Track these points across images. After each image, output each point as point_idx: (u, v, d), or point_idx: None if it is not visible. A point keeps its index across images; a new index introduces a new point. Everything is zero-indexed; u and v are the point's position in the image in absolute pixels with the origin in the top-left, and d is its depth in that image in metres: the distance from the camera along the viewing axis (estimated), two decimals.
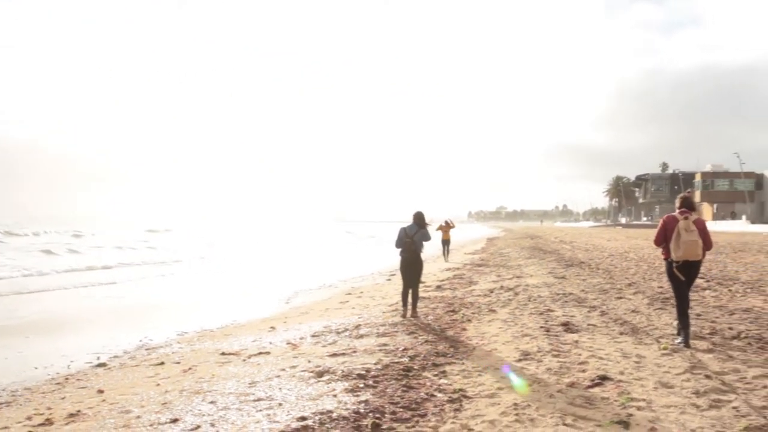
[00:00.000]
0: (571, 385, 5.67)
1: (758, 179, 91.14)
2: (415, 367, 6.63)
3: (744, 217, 72.80)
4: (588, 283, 13.97)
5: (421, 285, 15.76)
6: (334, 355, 7.58)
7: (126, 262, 27.82)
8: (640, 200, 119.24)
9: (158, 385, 6.59)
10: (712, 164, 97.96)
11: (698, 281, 13.28)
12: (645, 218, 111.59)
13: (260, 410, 5.38)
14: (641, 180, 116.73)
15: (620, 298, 11.41)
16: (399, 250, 10.50)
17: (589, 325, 8.69)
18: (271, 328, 10.33)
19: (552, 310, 10.09)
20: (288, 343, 8.71)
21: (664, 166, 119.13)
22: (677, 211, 7.44)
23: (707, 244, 7.33)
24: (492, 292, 13.19)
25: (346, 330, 9.33)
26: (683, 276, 7.33)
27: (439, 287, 14.67)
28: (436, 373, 6.41)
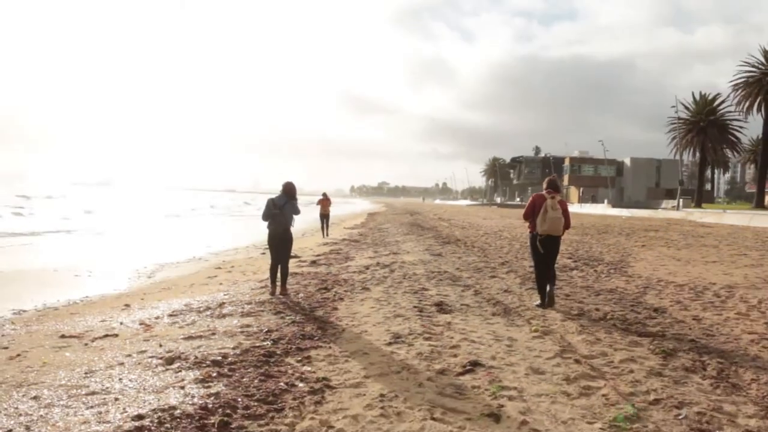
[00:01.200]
0: (442, 372, 5.34)
1: (619, 166, 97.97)
2: (278, 352, 6.07)
3: (606, 201, 78.02)
4: (463, 261, 13.98)
5: (294, 260, 15.23)
6: (190, 337, 6.84)
7: None
8: (515, 181, 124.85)
9: None
10: (580, 150, 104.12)
11: (566, 261, 13.68)
12: (518, 198, 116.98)
13: (91, 407, 4.59)
14: (516, 162, 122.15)
15: (493, 276, 11.43)
16: (266, 222, 9.79)
17: (462, 305, 8.50)
18: (126, 305, 9.35)
19: (426, 289, 9.86)
20: (141, 324, 7.84)
21: (537, 149, 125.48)
22: (545, 190, 8.28)
23: (567, 222, 8.32)
24: (368, 268, 12.84)
25: (209, 309, 8.57)
26: (543, 248, 8.22)
27: (314, 262, 14.14)
28: (299, 358, 5.88)
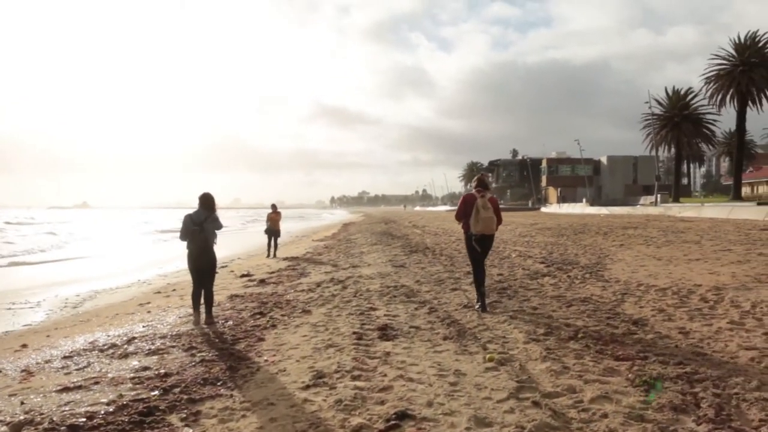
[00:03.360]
0: (359, 430, 4.08)
1: (596, 165, 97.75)
2: (162, 407, 4.77)
3: (584, 199, 77.44)
4: (426, 272, 12.75)
5: (243, 279, 13.93)
6: (66, 389, 5.52)
7: None
8: (493, 185, 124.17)
9: None
10: (557, 151, 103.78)
11: (538, 267, 12.53)
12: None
13: None
14: (494, 165, 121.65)
15: (455, 289, 10.20)
16: (185, 242, 8.48)
17: (411, 327, 7.25)
18: (22, 346, 7.98)
19: (375, 309, 8.61)
20: (24, 371, 6.50)
21: (515, 152, 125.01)
22: (474, 189, 8.28)
23: (499, 219, 8.28)
24: (319, 285, 11.56)
25: (114, 346, 7.24)
26: (480, 248, 8.22)
27: (263, 281, 12.82)
28: (186, 415, 4.60)
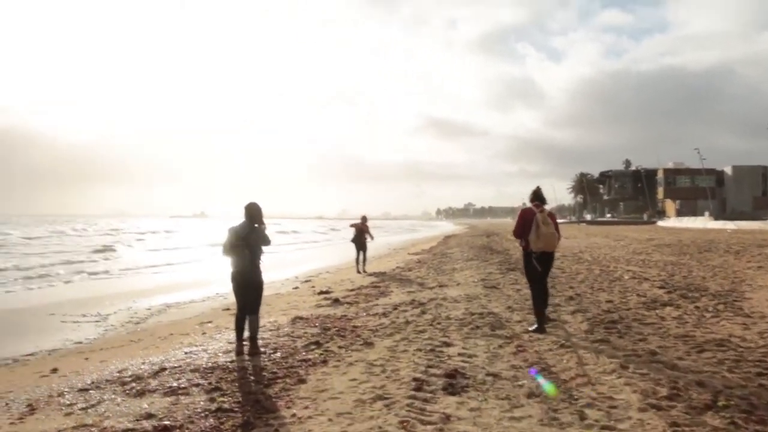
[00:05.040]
0: None
1: (719, 176, 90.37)
2: None
3: (706, 213, 71.47)
4: (521, 296, 11.02)
5: (318, 296, 12.80)
6: None
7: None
8: (605, 197, 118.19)
9: None
10: (674, 162, 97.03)
11: (657, 292, 10.55)
12: (608, 215, 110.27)
13: None
14: (605, 177, 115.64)
15: (552, 320, 8.47)
16: (230, 259, 7.33)
17: (488, 375, 5.68)
18: (53, 370, 7.19)
19: (450, 344, 7.09)
20: (28, 405, 5.60)
21: (627, 163, 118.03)
22: (531, 204, 7.82)
23: (558, 235, 7.78)
24: (396, 308, 10.18)
25: (138, 379, 6.22)
26: (540, 267, 7.69)
27: (337, 300, 11.61)
28: None
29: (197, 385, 5.81)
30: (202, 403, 5.25)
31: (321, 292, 13.39)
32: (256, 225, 7.25)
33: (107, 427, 4.70)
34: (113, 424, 4.77)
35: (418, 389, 5.29)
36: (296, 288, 15.48)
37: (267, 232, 7.38)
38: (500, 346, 6.89)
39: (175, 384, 5.89)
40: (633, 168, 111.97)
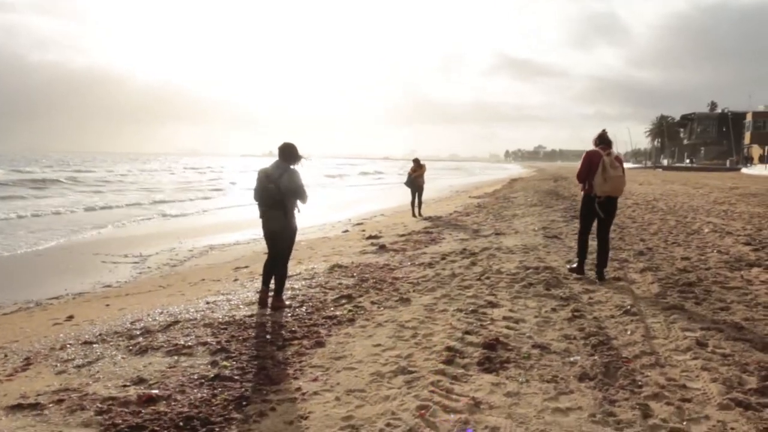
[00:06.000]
0: None
1: None
2: None
3: None
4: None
5: (365, 242, 12.08)
6: (20, 407, 3.96)
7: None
8: (685, 141, 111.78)
9: None
10: (766, 105, 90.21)
11: (742, 250, 9.35)
12: (687, 161, 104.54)
13: None
14: (687, 120, 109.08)
15: (617, 279, 7.46)
16: (258, 203, 6.65)
17: (534, 347, 4.81)
18: (68, 318, 6.80)
19: (496, 305, 6.22)
20: (25, 359, 5.17)
21: (713, 105, 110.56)
22: (598, 147, 7.40)
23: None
24: (444, 258, 9.35)
25: (147, 333, 5.68)
26: (603, 212, 7.33)
27: (383, 247, 10.85)
28: None
29: (204, 343, 5.20)
30: (202, 366, 4.63)
31: (369, 237, 12.67)
32: (291, 166, 6.51)
33: (89, 393, 4.14)
34: (98, 389, 4.22)
35: (449, 362, 4.49)
36: (346, 231, 14.84)
37: (308, 178, 6.58)
38: (553, 310, 5.98)
39: (182, 341, 5.31)
40: (719, 111, 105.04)
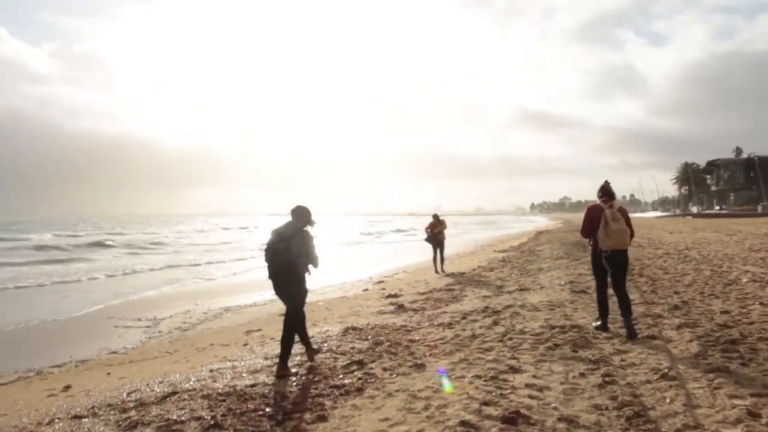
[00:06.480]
0: None
1: None
2: None
3: None
4: (613, 303, 9.36)
5: (390, 299, 11.61)
6: None
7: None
8: (713, 188, 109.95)
9: None
10: None
11: None
12: (717, 207, 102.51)
13: None
14: (713, 166, 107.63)
15: (651, 338, 6.87)
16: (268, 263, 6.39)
17: (560, 420, 4.28)
18: (65, 388, 6.50)
19: (518, 370, 5.70)
20: None
21: (738, 150, 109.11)
22: (599, 200, 7.30)
23: (631, 232, 7.20)
24: (465, 317, 8.84)
25: (141, 405, 5.30)
26: (611, 267, 7.17)
27: (401, 307, 10.38)
28: None
29: (198, 418, 4.77)
30: None
31: (389, 296, 12.22)
32: (306, 228, 6.29)
33: None
34: None
35: None
36: (365, 290, 14.41)
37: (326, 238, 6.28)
38: (582, 374, 5.44)
39: (174, 416, 4.88)
40: (745, 156, 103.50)
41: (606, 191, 7.30)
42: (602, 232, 7.01)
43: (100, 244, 39.61)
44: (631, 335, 6.89)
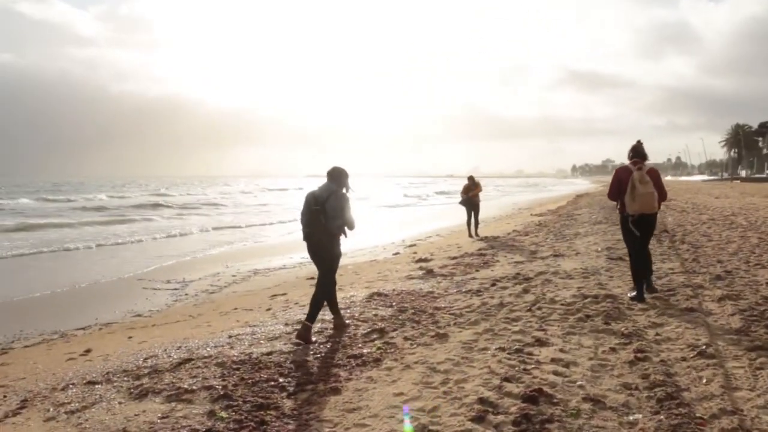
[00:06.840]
0: None
1: None
2: None
3: None
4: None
5: (420, 263, 11.38)
6: None
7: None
8: (765, 150, 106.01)
9: None
10: None
11: None
12: None
13: None
14: (766, 128, 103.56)
15: (691, 310, 6.48)
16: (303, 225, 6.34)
17: (585, 400, 4.00)
18: (85, 351, 6.46)
19: (544, 342, 5.42)
20: (23, 400, 4.77)
21: None
22: (629, 161, 7.02)
23: (662, 194, 6.97)
24: (495, 284, 8.57)
25: (155, 372, 5.22)
26: (639, 230, 6.95)
27: (430, 272, 10.13)
28: None
29: (209, 387, 4.64)
30: (197, 418, 4.07)
31: (419, 260, 11.98)
32: (342, 191, 6.17)
33: None
34: None
35: (479, 419, 3.76)
36: (396, 254, 14.20)
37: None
38: (612, 349, 5.13)
39: (186, 384, 4.77)
40: None
41: (637, 152, 7.03)
42: (629, 195, 6.79)
43: (156, 206, 40.25)
44: (651, 291, 7.15)
